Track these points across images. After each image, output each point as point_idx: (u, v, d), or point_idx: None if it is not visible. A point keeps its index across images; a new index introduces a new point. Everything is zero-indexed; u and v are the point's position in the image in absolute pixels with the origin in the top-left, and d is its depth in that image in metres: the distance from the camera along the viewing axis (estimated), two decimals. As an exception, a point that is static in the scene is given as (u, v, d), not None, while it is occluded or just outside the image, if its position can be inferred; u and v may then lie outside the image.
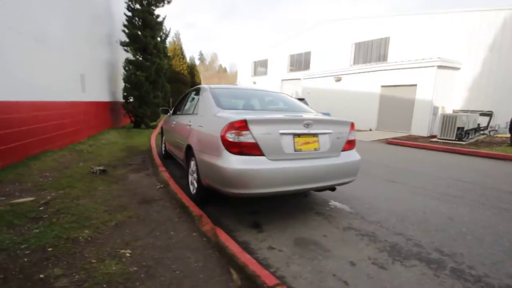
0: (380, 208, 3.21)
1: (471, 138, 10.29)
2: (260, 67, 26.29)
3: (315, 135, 2.61)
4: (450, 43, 13.28)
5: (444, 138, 9.85)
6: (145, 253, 1.97)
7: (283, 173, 2.35)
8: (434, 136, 11.16)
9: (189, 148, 3.23)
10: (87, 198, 2.98)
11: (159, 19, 9.66)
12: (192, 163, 3.13)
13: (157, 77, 9.76)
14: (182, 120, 3.78)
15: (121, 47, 9.13)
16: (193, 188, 3.16)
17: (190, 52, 52.54)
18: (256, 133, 2.32)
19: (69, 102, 5.92)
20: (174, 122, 4.25)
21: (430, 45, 13.93)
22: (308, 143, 2.56)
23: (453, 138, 9.57)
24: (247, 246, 2.20)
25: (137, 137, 7.93)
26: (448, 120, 9.83)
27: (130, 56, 9.25)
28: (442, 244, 2.39)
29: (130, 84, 8.94)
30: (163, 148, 5.48)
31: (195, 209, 2.64)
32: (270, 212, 2.96)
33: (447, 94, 12.99)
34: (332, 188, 3.00)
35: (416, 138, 10.95)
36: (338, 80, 15.75)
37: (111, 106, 8.93)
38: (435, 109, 12.47)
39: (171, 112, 4.99)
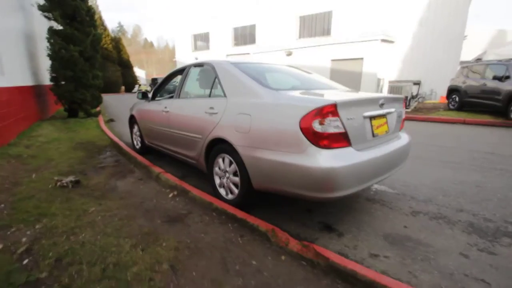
0: (414, 184, 3.16)
1: (410, 106, 11.65)
2: (201, 41, 24.30)
3: (384, 115, 2.27)
4: (386, 18, 14.36)
5: (393, 107, 10.86)
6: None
7: (374, 164, 1.97)
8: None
9: (215, 143, 2.53)
10: (86, 230, 2.06)
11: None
12: (223, 161, 2.47)
13: (94, 52, 7.84)
14: (189, 106, 2.96)
15: (39, 13, 6.88)
16: (226, 193, 2.53)
17: (107, 24, 45.07)
18: (344, 119, 1.84)
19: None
20: (165, 110, 3.34)
21: (370, 19, 14.83)
22: (380, 125, 2.21)
23: (401, 107, 10.63)
24: (346, 258, 1.80)
25: (81, 130, 6.35)
26: (395, 90, 10.81)
27: (54, 25, 7.11)
28: (503, 215, 2.44)
29: (60, 61, 6.94)
30: (138, 141, 4.43)
31: (258, 222, 2.07)
32: (323, 207, 2.59)
33: (387, 66, 14.28)
34: None
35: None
36: (289, 54, 15.68)
37: (36, 91, 6.86)
38: (379, 80, 13.64)
39: (150, 96, 3.96)
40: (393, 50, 14.43)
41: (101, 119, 7.77)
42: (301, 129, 1.79)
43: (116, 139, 5.20)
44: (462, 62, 13.68)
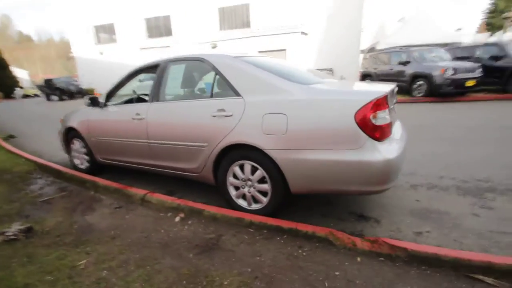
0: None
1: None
2: (105, 33, 20.96)
3: (393, 108, 2.40)
4: (300, 11, 15.54)
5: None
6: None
7: (405, 154, 2.08)
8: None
9: (227, 150, 2.19)
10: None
11: None
12: (241, 169, 2.19)
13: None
14: (181, 110, 2.46)
15: None
16: (249, 203, 2.26)
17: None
18: (388, 110, 1.85)
19: None
20: (138, 117, 2.71)
21: (285, 13, 15.75)
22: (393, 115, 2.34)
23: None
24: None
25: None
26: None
27: None
28: (466, 176, 2.97)
29: None
30: (84, 160, 3.51)
31: (312, 228, 1.90)
32: (339, 198, 2.62)
33: (305, 57, 15.57)
34: None
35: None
36: (214, 47, 15.24)
37: None
38: (302, 70, 14.78)
39: (102, 102, 3.14)
40: (308, 42, 15.81)
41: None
42: (358, 123, 1.72)
43: (43, 161, 3.98)
44: (361, 51, 16.17)
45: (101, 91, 20.76)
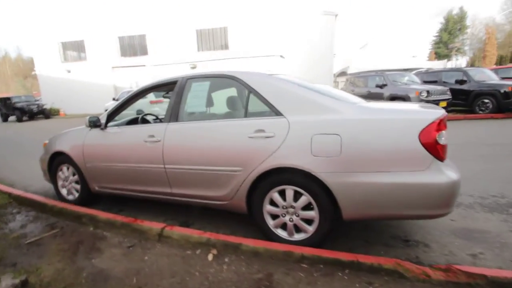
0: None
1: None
2: (73, 50, 19.85)
3: None
4: (279, 36, 16.22)
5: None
6: None
7: None
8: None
9: (266, 175, 1.99)
10: None
11: None
12: (282, 196, 1.99)
13: None
14: (209, 131, 2.21)
15: None
16: (290, 233, 2.04)
17: None
18: None
19: None
20: (152, 140, 2.41)
21: (264, 36, 16.35)
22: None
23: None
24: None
25: None
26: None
27: None
28: (481, 192, 3.06)
29: None
30: (74, 190, 3.06)
31: (377, 259, 1.72)
32: (371, 223, 2.50)
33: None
34: None
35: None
36: (194, 67, 15.10)
37: None
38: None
39: (103, 122, 2.78)
40: (286, 65, 16.41)
41: None
42: (423, 143, 1.64)
43: (20, 191, 3.38)
44: (334, 75, 17.13)
45: (68, 112, 19.35)
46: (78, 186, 3.04)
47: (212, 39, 17.58)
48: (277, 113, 2.01)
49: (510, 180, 3.24)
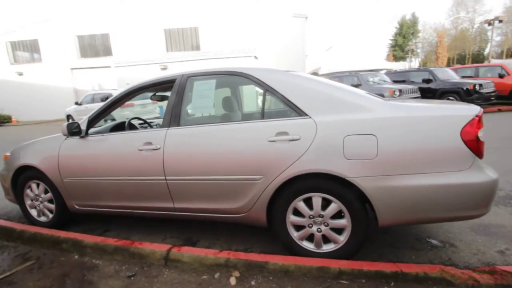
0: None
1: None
2: (25, 51, 17.81)
3: None
4: (251, 36, 16.11)
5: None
6: None
7: None
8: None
9: (290, 182, 1.78)
10: None
11: None
12: (308, 204, 1.80)
13: None
14: (222, 135, 1.93)
15: None
16: (318, 245, 1.85)
17: None
18: None
19: None
20: (150, 147, 2.07)
21: (237, 37, 16.13)
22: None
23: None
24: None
25: None
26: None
27: None
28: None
29: None
30: (47, 210, 2.58)
31: (420, 267, 1.59)
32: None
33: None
34: None
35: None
36: (164, 68, 14.36)
37: None
38: (257, 92, 15.05)
39: (83, 128, 2.35)
40: (260, 66, 16.37)
41: None
42: (465, 141, 1.55)
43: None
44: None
45: (21, 118, 17.33)
46: (52, 206, 2.57)
47: (182, 39, 16.92)
48: (301, 114, 1.81)
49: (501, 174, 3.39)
